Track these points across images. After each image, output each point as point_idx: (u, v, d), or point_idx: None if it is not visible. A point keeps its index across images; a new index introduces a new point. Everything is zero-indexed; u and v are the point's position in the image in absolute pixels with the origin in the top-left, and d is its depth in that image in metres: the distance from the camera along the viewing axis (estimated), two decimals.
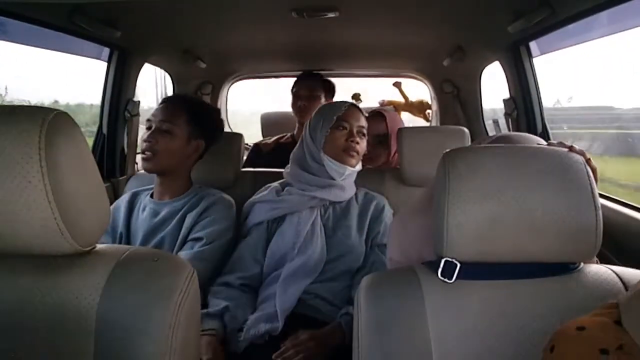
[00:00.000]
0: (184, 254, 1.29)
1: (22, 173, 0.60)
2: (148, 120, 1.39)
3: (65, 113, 0.66)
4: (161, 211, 1.37)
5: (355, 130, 1.38)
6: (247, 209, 1.42)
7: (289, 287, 1.24)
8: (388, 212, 1.41)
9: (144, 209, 1.40)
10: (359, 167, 1.42)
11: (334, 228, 1.33)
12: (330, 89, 2.34)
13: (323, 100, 2.21)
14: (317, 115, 1.42)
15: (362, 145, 1.40)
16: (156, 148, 1.34)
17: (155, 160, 1.35)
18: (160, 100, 1.47)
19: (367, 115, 1.52)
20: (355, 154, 1.36)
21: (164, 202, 1.40)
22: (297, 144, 1.46)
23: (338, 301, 1.26)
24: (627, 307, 0.52)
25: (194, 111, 1.42)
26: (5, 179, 0.60)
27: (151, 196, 1.43)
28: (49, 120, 0.61)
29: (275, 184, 1.46)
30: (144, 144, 1.35)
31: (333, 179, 1.36)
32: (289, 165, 1.47)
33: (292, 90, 2.29)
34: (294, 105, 2.23)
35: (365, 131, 1.41)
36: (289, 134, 2.31)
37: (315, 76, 2.32)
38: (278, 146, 2.25)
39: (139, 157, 1.85)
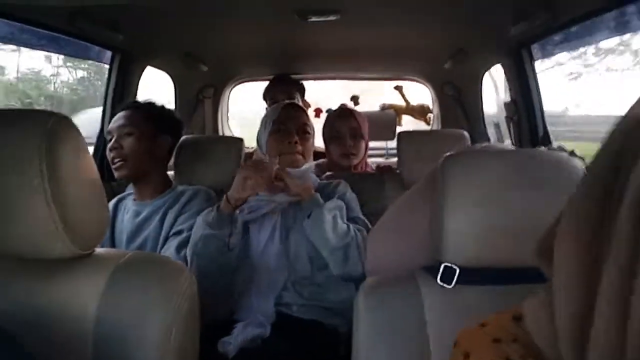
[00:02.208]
0: (168, 249, 1.29)
1: (22, 176, 0.60)
2: (108, 132, 1.41)
3: (67, 117, 0.66)
4: (142, 211, 1.38)
5: (294, 130, 1.33)
6: None
7: (263, 296, 1.23)
8: (343, 188, 1.37)
9: (127, 211, 1.41)
10: (307, 165, 1.35)
11: (292, 229, 1.30)
12: (302, 90, 2.35)
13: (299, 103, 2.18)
14: (261, 122, 1.40)
15: (305, 145, 1.34)
16: (124, 153, 1.35)
17: (127, 165, 1.36)
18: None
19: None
20: (297, 155, 1.32)
21: (145, 202, 1.41)
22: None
23: (321, 300, 1.25)
24: (528, 304, 0.53)
25: (147, 109, 1.44)
26: (5, 182, 0.60)
27: (134, 199, 1.44)
28: (50, 124, 0.62)
29: None
30: (111, 153, 1.36)
31: None
32: None
33: (266, 96, 2.28)
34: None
35: (308, 129, 1.35)
36: None
37: (290, 79, 2.33)
38: None
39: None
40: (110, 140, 1.38)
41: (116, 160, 1.35)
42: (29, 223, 0.61)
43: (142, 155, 1.38)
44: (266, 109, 2.22)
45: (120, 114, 1.42)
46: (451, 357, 0.54)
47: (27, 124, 0.62)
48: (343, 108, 1.91)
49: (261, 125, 1.38)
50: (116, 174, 1.38)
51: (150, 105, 1.48)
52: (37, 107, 3.88)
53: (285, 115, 1.34)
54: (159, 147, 1.43)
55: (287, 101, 1.35)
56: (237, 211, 1.24)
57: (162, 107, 1.53)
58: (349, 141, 1.80)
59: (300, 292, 1.26)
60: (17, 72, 3.89)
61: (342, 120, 1.82)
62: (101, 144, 1.86)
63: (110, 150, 1.36)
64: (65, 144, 0.63)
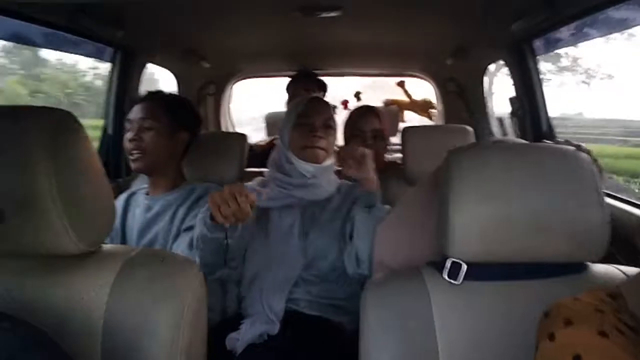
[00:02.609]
0: (180, 246, 1.29)
1: (27, 173, 0.60)
2: (128, 120, 1.38)
3: (71, 113, 0.66)
4: (154, 206, 1.38)
5: (318, 125, 1.30)
6: None
7: (273, 293, 1.22)
8: None
9: (138, 206, 1.41)
10: (329, 162, 1.34)
11: (312, 228, 1.30)
12: (323, 87, 2.33)
13: None
14: (284, 119, 1.38)
15: (328, 139, 1.32)
16: (143, 146, 1.33)
17: (144, 159, 1.34)
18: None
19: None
20: (319, 149, 1.30)
21: (156, 197, 1.40)
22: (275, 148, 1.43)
23: (329, 298, 1.26)
24: (629, 289, 0.54)
25: (171, 104, 1.42)
26: (11, 179, 0.60)
27: (147, 193, 1.43)
28: (55, 121, 0.62)
29: (259, 178, 1.44)
30: (130, 144, 1.34)
31: (306, 177, 1.31)
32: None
33: (287, 90, 2.28)
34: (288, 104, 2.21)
35: (332, 124, 1.34)
36: None
37: (311, 76, 2.32)
38: (272, 147, 2.22)
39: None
40: (129, 130, 1.36)
41: (135, 152, 1.34)
42: (35, 220, 0.61)
43: (161, 150, 1.37)
44: (286, 103, 2.23)
45: (143, 105, 1.39)
46: (543, 326, 0.54)
47: (32, 120, 0.62)
48: (367, 107, 1.89)
49: (285, 119, 1.37)
50: (133, 165, 1.36)
51: (174, 99, 1.46)
52: (76, 96, 4.06)
53: (310, 109, 1.33)
54: (177, 143, 1.41)
55: (312, 95, 1.33)
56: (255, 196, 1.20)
57: (185, 101, 1.51)
58: (369, 141, 1.78)
59: (310, 289, 1.25)
60: (58, 64, 4.13)
61: (365, 119, 1.81)
62: (106, 140, 1.87)
63: (130, 141, 1.34)
64: (70, 140, 0.63)
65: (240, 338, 1.12)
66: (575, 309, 0.53)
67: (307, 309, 1.24)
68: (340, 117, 1.76)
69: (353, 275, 1.24)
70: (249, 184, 1.40)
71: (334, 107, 1.92)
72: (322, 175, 1.31)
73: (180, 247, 1.28)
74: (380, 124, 1.80)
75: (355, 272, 1.22)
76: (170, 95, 1.48)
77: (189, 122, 1.46)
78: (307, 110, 1.32)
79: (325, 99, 2.14)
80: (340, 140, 1.72)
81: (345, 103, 2.65)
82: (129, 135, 1.36)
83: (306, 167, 1.29)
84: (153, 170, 1.38)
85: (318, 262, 1.27)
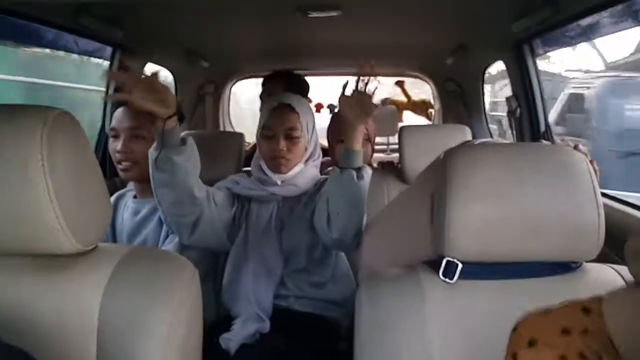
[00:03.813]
0: (167, 247, 1.28)
1: (23, 172, 0.60)
2: (113, 128, 1.32)
3: (68, 112, 0.66)
4: (142, 210, 1.36)
5: (281, 136, 1.27)
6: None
7: (258, 288, 1.23)
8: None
9: (127, 209, 1.39)
10: (298, 168, 1.31)
11: (295, 220, 1.30)
12: (297, 88, 2.14)
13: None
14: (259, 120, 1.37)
15: (293, 150, 1.28)
16: (133, 157, 1.29)
17: (135, 169, 1.30)
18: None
19: None
20: (282, 161, 1.28)
21: (144, 200, 1.37)
22: None
23: (316, 291, 1.26)
24: (611, 307, 0.52)
25: None
26: (6, 178, 0.60)
27: (135, 196, 1.42)
28: (50, 120, 0.61)
29: (242, 172, 1.45)
30: (119, 155, 1.29)
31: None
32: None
33: (263, 91, 2.20)
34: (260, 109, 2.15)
35: (297, 133, 1.28)
36: None
37: (282, 76, 2.19)
38: None
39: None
40: (115, 137, 1.32)
41: (124, 163, 1.30)
42: (30, 220, 0.61)
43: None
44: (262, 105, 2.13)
45: (127, 112, 1.32)
46: (510, 343, 0.53)
47: (28, 119, 0.62)
48: (280, 103, 1.87)
49: (258, 124, 1.36)
50: (123, 175, 1.33)
51: None
52: None
53: (272, 120, 1.29)
54: None
55: (276, 102, 1.30)
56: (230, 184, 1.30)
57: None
58: (281, 143, 1.77)
59: (298, 284, 1.26)
60: None
61: None
62: (102, 139, 1.87)
63: (119, 152, 1.29)
64: (66, 139, 0.63)
65: (233, 338, 1.12)
66: (541, 327, 0.51)
67: (297, 305, 1.25)
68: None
69: (327, 244, 1.22)
70: (232, 176, 1.41)
71: (333, 106, 1.90)
72: (296, 177, 1.31)
73: (168, 248, 1.28)
74: (366, 129, 1.80)
75: (328, 237, 1.19)
76: None
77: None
78: (269, 121, 1.29)
79: (325, 99, 2.14)
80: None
81: (318, 107, 2.63)
82: (116, 145, 1.30)
83: (273, 177, 1.30)
84: (143, 178, 1.32)
85: (295, 255, 1.27)
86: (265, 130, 1.29)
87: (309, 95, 2.39)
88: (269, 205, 1.32)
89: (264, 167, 1.31)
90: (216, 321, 1.25)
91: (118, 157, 1.31)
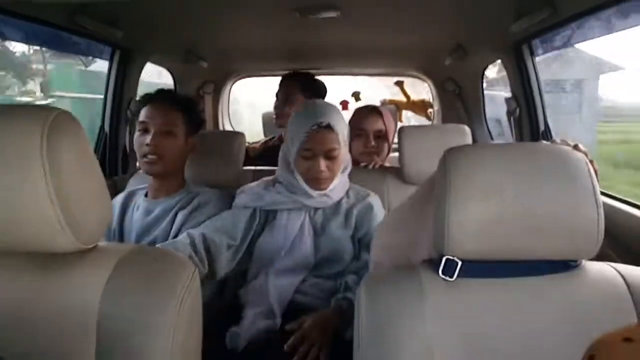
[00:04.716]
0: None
1: (24, 172, 0.60)
2: (142, 122, 1.34)
3: (68, 112, 0.66)
4: (154, 210, 1.37)
5: (321, 157, 1.27)
6: (238, 193, 1.40)
7: (280, 283, 1.24)
8: (378, 211, 1.37)
9: (137, 208, 1.39)
10: (336, 180, 1.33)
11: (323, 228, 1.32)
12: (314, 90, 2.10)
13: (301, 103, 2.01)
14: (289, 131, 1.34)
15: (332, 168, 1.30)
16: (160, 152, 1.32)
17: (160, 163, 1.33)
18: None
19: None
20: (322, 180, 1.30)
21: (157, 200, 1.39)
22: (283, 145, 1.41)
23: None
24: None
25: (187, 109, 1.40)
26: (7, 177, 0.60)
27: (145, 195, 1.42)
28: (51, 119, 0.62)
29: (268, 178, 1.44)
30: (146, 148, 1.31)
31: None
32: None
33: (279, 90, 2.14)
34: (274, 107, 2.11)
35: (336, 153, 1.28)
36: (276, 136, 2.22)
37: (294, 77, 2.13)
38: (266, 149, 2.19)
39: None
40: (143, 131, 1.34)
41: (151, 156, 1.31)
42: (31, 218, 0.61)
43: (177, 155, 1.36)
44: (277, 104, 2.09)
45: (160, 106, 1.35)
46: None
47: (28, 119, 0.62)
48: (371, 107, 1.88)
49: (289, 141, 1.33)
50: (146, 169, 1.34)
51: (187, 102, 1.44)
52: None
53: (314, 140, 1.27)
54: (189, 147, 1.41)
55: (314, 125, 1.26)
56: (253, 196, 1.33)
57: (194, 103, 1.50)
58: (372, 142, 1.80)
59: (321, 288, 1.27)
60: None
61: (369, 120, 1.81)
62: (102, 139, 1.87)
63: (147, 145, 1.31)
64: (66, 138, 0.63)
65: (242, 334, 1.13)
66: (626, 352, 0.46)
67: (313, 304, 1.24)
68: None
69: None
70: (253, 185, 1.41)
71: (358, 93, 1.90)
72: (330, 190, 1.33)
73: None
74: (384, 126, 1.81)
75: None
76: (184, 97, 1.46)
77: (197, 126, 1.45)
78: (309, 144, 1.27)
79: (325, 99, 2.14)
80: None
81: (344, 104, 2.65)
82: (144, 139, 1.32)
83: (311, 192, 1.31)
84: (165, 174, 1.37)
85: (330, 263, 1.29)
86: (305, 152, 1.28)
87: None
88: (300, 212, 1.33)
89: (301, 181, 1.31)
90: (223, 307, 1.28)
91: (145, 150, 1.32)
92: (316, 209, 1.34)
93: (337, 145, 1.28)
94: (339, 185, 1.35)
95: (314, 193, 1.31)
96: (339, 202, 1.36)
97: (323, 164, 1.27)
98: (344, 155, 1.34)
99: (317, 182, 1.30)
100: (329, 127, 1.27)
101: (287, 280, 1.25)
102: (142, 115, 1.35)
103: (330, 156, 1.28)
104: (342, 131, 1.30)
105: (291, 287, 1.25)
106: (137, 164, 1.95)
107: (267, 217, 1.35)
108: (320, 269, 1.29)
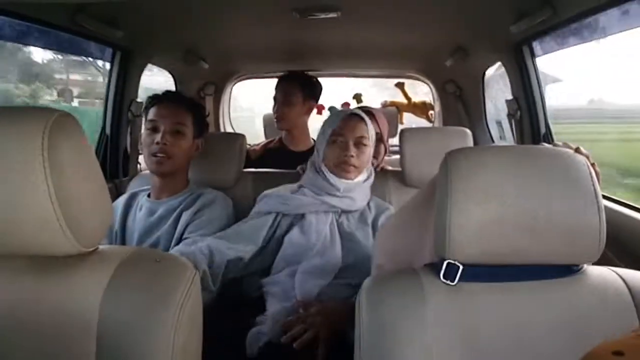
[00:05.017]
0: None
1: (24, 174, 0.60)
2: (152, 120, 1.36)
3: (69, 114, 0.66)
4: (157, 210, 1.37)
5: (351, 143, 1.35)
6: (260, 199, 1.43)
7: (307, 281, 1.24)
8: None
9: (140, 209, 1.39)
10: (362, 177, 1.39)
11: (353, 234, 1.34)
12: (312, 90, 2.12)
13: (301, 104, 2.06)
14: (322, 126, 1.42)
15: (360, 157, 1.36)
16: (170, 151, 1.33)
17: (169, 162, 1.34)
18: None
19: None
20: (351, 167, 1.34)
21: (160, 201, 1.39)
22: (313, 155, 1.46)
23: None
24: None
25: (196, 110, 1.42)
26: (8, 179, 0.60)
27: (148, 196, 1.42)
28: (52, 122, 0.61)
29: (292, 185, 1.46)
30: (155, 147, 1.32)
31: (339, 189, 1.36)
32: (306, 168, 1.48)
33: (277, 89, 2.14)
34: (273, 109, 2.10)
35: (365, 141, 1.37)
36: (276, 138, 2.21)
37: (292, 79, 2.12)
38: (266, 152, 2.18)
39: (142, 158, 1.83)
40: (152, 130, 1.35)
41: (160, 155, 1.33)
42: (31, 221, 0.61)
43: (185, 155, 1.38)
44: (275, 105, 2.09)
45: (171, 105, 1.37)
46: None
47: (29, 121, 0.62)
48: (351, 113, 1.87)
49: (320, 132, 1.41)
50: (155, 168, 1.35)
51: (194, 103, 1.46)
52: None
53: (344, 126, 1.36)
54: (195, 148, 1.43)
55: (347, 110, 1.36)
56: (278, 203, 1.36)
57: (201, 105, 1.52)
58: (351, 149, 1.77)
59: (342, 292, 1.26)
60: None
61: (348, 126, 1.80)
62: (103, 141, 1.87)
63: (157, 143, 1.32)
64: (67, 141, 0.63)
65: (267, 329, 1.14)
66: None
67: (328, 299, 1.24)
68: None
69: None
70: (277, 189, 1.43)
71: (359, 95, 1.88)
72: (355, 189, 1.36)
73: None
74: (379, 128, 1.79)
75: None
76: (191, 99, 1.49)
77: (204, 127, 1.48)
78: (341, 129, 1.35)
79: (325, 99, 2.14)
80: None
81: (346, 106, 2.64)
82: (154, 137, 1.33)
83: (335, 183, 1.34)
84: (172, 173, 1.38)
85: (355, 271, 1.28)
86: (336, 137, 1.35)
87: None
88: (327, 215, 1.35)
89: (327, 173, 1.35)
90: (245, 299, 1.30)
91: (154, 148, 1.33)
92: (341, 213, 1.36)
93: (366, 134, 1.36)
94: (361, 191, 1.39)
95: (339, 184, 1.33)
96: (363, 214, 1.39)
97: (353, 149, 1.34)
98: (370, 156, 1.41)
99: (344, 169, 1.34)
100: (359, 116, 1.37)
101: (313, 282, 1.25)
102: (152, 114, 1.37)
103: (360, 143, 1.36)
104: (371, 129, 1.39)
105: (316, 288, 1.25)
106: (138, 165, 1.97)
107: (291, 222, 1.36)
108: (345, 275, 1.29)
